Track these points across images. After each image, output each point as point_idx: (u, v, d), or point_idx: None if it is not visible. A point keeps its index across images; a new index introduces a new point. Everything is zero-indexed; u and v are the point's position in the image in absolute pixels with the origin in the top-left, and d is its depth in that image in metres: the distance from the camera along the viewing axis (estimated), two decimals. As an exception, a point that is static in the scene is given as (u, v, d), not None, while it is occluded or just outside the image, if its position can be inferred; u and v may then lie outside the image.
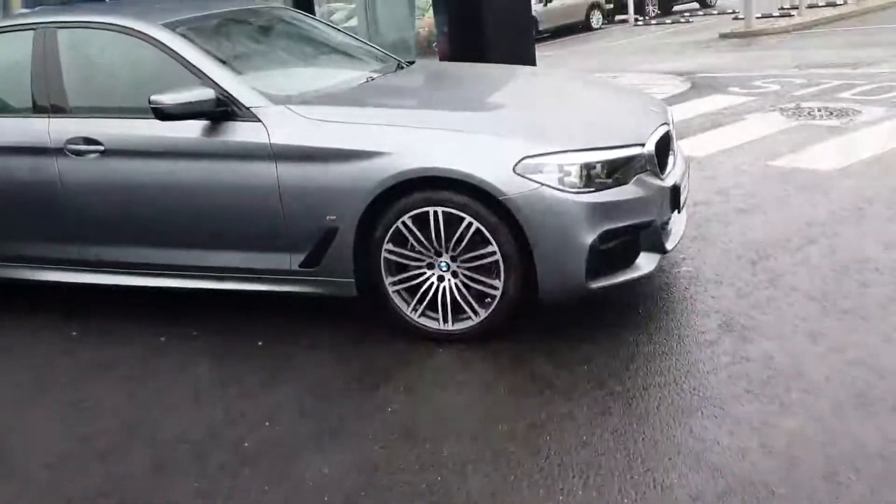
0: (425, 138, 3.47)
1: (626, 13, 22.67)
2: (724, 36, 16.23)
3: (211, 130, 3.73)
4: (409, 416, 3.15)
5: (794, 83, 9.36)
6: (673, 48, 15.28)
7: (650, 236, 3.57)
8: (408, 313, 3.66)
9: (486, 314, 3.55)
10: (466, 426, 3.05)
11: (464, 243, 3.47)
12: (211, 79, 3.75)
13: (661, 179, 3.65)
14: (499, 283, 3.48)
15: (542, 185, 3.32)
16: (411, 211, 3.49)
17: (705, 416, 2.93)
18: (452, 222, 3.46)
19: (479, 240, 3.47)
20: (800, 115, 7.63)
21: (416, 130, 3.50)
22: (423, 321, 3.66)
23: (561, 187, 3.33)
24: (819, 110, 7.79)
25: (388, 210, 3.52)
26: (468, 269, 3.53)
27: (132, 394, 3.57)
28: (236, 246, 3.84)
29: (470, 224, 3.42)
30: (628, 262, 3.56)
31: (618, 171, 3.45)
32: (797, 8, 18.10)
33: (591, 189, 3.37)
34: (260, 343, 3.89)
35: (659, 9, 24.17)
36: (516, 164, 3.33)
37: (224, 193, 3.74)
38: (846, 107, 7.80)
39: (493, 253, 3.44)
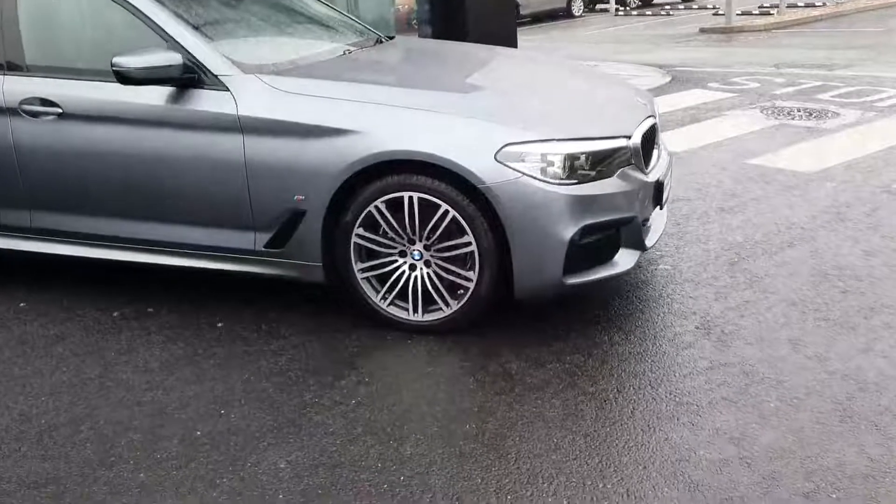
0: (404, 118, 3.30)
1: (608, 2, 22.56)
2: (704, 31, 16.20)
3: (176, 97, 3.53)
4: (372, 410, 3.00)
5: (773, 82, 9.30)
6: (653, 40, 15.19)
7: (631, 232, 3.45)
8: (377, 302, 3.51)
9: (458, 306, 3.40)
10: (432, 424, 2.90)
11: (439, 232, 3.32)
12: (179, 43, 3.54)
13: (645, 174, 3.52)
14: (473, 276, 3.34)
15: (524, 174, 3.17)
16: (385, 195, 3.33)
17: (682, 423, 2.82)
18: (428, 209, 3.30)
19: (454, 229, 3.32)
20: (779, 115, 7.56)
21: (395, 110, 3.32)
22: (393, 311, 3.50)
23: (543, 178, 3.18)
24: (798, 110, 7.73)
25: (361, 193, 3.36)
26: (442, 259, 3.38)
27: (79, 371, 3.38)
28: (199, 221, 3.64)
29: (446, 212, 3.27)
30: (606, 258, 3.43)
31: (602, 164, 3.31)
32: (777, 7, 18.15)
33: (574, 181, 3.23)
34: (219, 324, 3.71)
35: (640, 0, 24.11)
36: (498, 152, 3.18)
37: (188, 165, 3.54)
38: (824, 108, 7.75)
39: (469, 244, 3.29)
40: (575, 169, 3.24)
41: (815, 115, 7.52)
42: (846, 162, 5.90)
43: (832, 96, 8.34)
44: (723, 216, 4.89)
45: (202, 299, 3.95)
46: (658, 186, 3.57)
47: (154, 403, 3.11)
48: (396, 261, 3.45)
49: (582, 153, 3.25)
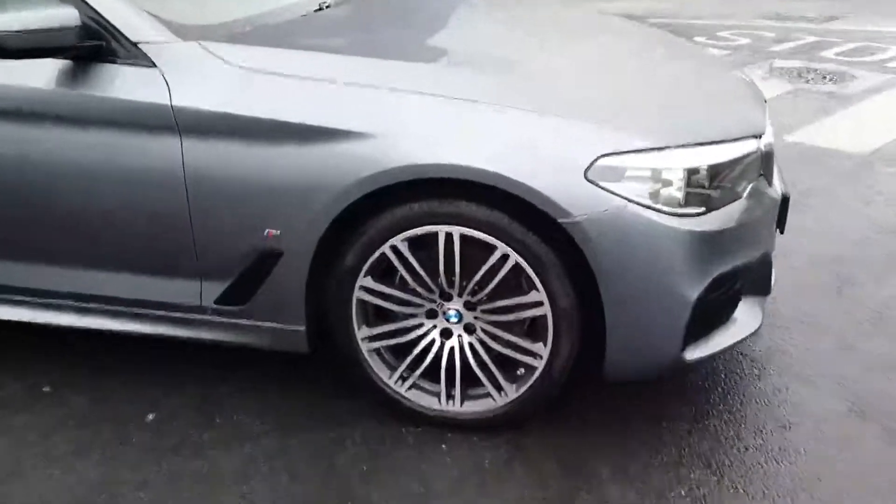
0: (440, 114, 2.12)
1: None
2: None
3: (73, 77, 2.27)
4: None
5: (764, 36, 8.35)
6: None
7: (757, 274, 2.38)
8: (391, 384, 2.36)
9: (518, 393, 2.29)
10: None
11: (492, 285, 2.18)
12: (75, -8, 2.26)
13: (772, 187, 2.44)
14: (543, 349, 2.22)
15: (628, 200, 2.04)
16: (408, 230, 2.17)
17: None
18: (476, 251, 2.16)
19: (514, 279, 2.19)
20: (790, 77, 6.59)
21: (425, 100, 2.14)
22: (416, 397, 2.37)
23: (655, 205, 2.07)
24: (808, 71, 6.79)
25: (370, 226, 2.19)
26: (493, 323, 2.25)
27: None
28: (115, 265, 2.42)
29: (505, 257, 2.13)
30: (726, 315, 2.36)
31: (728, 179, 2.21)
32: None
33: (698, 208, 2.12)
34: (150, 417, 2.49)
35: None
36: (590, 167, 2.04)
37: (93, 181, 2.30)
38: (837, 69, 6.84)
39: (539, 303, 2.16)
40: (697, 189, 2.13)
41: (830, 77, 6.59)
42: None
43: (836, 54, 7.45)
44: (791, 217, 3.85)
45: (131, 366, 2.72)
46: (784, 203, 2.49)
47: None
48: (422, 324, 2.31)
49: (708, 165, 2.14)
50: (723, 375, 2.63)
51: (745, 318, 2.40)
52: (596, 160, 2.05)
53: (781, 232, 2.58)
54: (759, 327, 2.40)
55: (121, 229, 2.35)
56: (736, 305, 2.38)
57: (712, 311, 2.26)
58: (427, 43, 2.65)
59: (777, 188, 2.48)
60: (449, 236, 2.15)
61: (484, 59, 2.47)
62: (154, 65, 2.23)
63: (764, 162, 2.35)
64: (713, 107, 2.43)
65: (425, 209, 2.14)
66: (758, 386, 2.57)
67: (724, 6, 10.73)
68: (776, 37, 8.35)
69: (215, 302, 2.38)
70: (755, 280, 2.40)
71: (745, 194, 2.26)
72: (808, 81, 6.48)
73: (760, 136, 2.33)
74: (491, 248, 2.14)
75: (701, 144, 2.16)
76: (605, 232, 2.04)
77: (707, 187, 2.15)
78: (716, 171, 2.16)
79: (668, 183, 2.09)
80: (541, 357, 2.23)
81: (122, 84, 2.24)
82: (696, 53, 3.08)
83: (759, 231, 2.32)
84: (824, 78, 6.58)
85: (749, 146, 2.26)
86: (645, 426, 2.39)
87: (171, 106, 2.20)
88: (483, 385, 2.31)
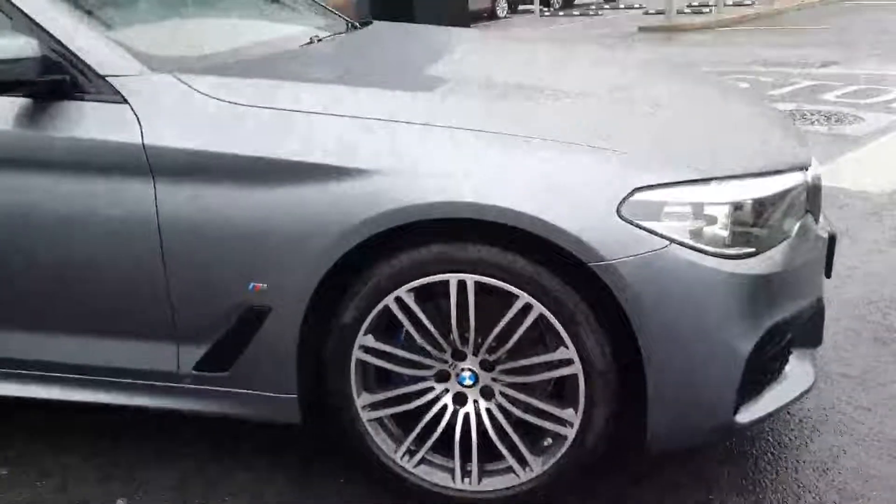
0: (446, 147, 1.86)
1: (530, 3, 21.47)
2: (643, 29, 15.22)
3: (33, 116, 2.01)
4: None
5: (762, 81, 8.21)
6: (595, 39, 14.04)
7: (809, 323, 2.09)
8: (396, 458, 2.05)
9: (544, 467, 1.97)
10: None
11: (512, 341, 1.89)
12: (36, 21, 2.01)
13: (819, 225, 2.18)
14: (574, 416, 1.91)
15: (669, 240, 1.77)
16: (415, 279, 1.89)
17: None
18: (494, 303, 1.88)
19: (539, 335, 1.91)
20: (795, 119, 6.40)
21: (433, 132, 1.88)
22: (424, 473, 2.05)
23: (699, 245, 1.79)
24: (812, 114, 6.60)
25: (370, 276, 1.91)
26: (514, 385, 1.95)
27: None
28: (82, 327, 2.12)
29: (527, 308, 1.85)
30: (777, 371, 2.07)
31: (778, 215, 1.94)
32: (710, 5, 17.50)
33: (749, 249, 1.85)
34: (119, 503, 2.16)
35: (562, 1, 23.25)
36: (623, 202, 1.78)
37: (56, 232, 2.02)
38: (840, 111, 6.66)
39: (569, 362, 1.87)
40: (744, 227, 1.86)
41: (835, 118, 6.41)
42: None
43: (837, 97, 7.30)
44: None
45: (102, 440, 2.40)
46: (831, 243, 2.22)
47: None
48: (432, 389, 2.01)
49: (754, 200, 1.87)
50: (769, 438, 2.33)
51: (797, 373, 2.11)
52: (630, 195, 1.78)
53: (828, 276, 2.30)
54: (814, 384, 2.11)
55: (87, 287, 2.06)
56: (787, 359, 2.10)
57: (764, 366, 1.98)
58: (433, 73, 2.40)
59: (824, 226, 2.21)
60: (462, 285, 1.87)
61: (500, 88, 2.22)
62: (125, 100, 1.97)
63: (811, 197, 2.09)
64: (755, 137, 2.17)
65: (435, 255, 1.87)
66: (811, 450, 2.27)
67: (715, 54, 10.66)
68: (774, 81, 8.22)
69: (194, 368, 2.08)
70: (806, 330, 2.12)
71: (793, 233, 1.99)
72: (812, 123, 6.30)
73: (807, 169, 2.07)
74: (511, 299, 1.86)
75: (747, 176, 1.89)
76: (643, 277, 1.77)
77: (754, 225, 1.88)
78: (763, 207, 1.90)
79: (711, 220, 1.82)
80: (571, 425, 1.92)
81: (88, 123, 1.98)
82: (727, 86, 2.82)
83: (811, 274, 2.05)
84: (828, 119, 6.40)
85: (796, 178, 2.01)
86: (690, 497, 2.07)
87: (143, 145, 1.94)
88: (504, 458, 2.00)
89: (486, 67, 2.54)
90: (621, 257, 1.76)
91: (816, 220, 2.16)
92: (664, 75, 2.68)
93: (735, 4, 18.51)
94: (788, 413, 2.44)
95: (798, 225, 2.02)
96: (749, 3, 18.67)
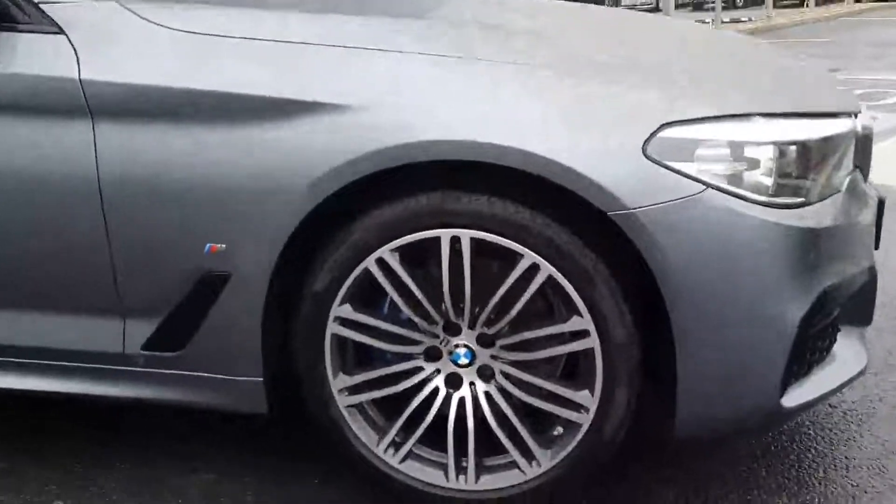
0: (437, 77, 1.57)
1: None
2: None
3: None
4: None
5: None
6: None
7: (857, 294, 1.79)
8: (379, 452, 1.73)
9: (555, 461, 1.66)
10: None
11: (515, 309, 1.58)
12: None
13: (868, 185, 1.89)
14: (590, 399, 1.60)
15: (705, 185, 1.47)
16: (399, 236, 1.58)
17: None
18: (494, 263, 1.58)
19: (548, 302, 1.61)
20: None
21: (417, 59, 1.59)
22: (412, 470, 1.73)
23: (739, 190, 1.50)
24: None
25: (346, 234, 1.60)
26: (518, 364, 1.64)
27: None
28: (10, 300, 1.81)
29: (534, 269, 1.54)
30: (824, 351, 1.77)
31: (827, 165, 1.64)
32: (705, 22, 17.39)
33: (797, 198, 1.56)
34: (55, 506, 1.84)
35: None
36: (648, 140, 1.48)
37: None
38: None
39: (584, 333, 1.56)
40: (791, 174, 1.57)
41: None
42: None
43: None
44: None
45: (38, 437, 2.08)
46: (880, 207, 1.92)
47: None
48: (420, 369, 1.70)
49: (803, 142, 1.58)
50: (811, 433, 2.02)
51: (847, 354, 1.81)
52: (657, 131, 1.49)
53: (876, 247, 1.99)
54: (866, 367, 1.81)
55: (15, 251, 1.76)
56: (835, 338, 1.80)
57: (813, 342, 1.68)
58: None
59: (873, 188, 1.92)
60: (456, 243, 1.57)
61: (502, 21, 1.93)
62: (61, 30, 1.68)
63: (860, 150, 1.80)
64: (800, 81, 1.88)
65: (423, 207, 1.57)
66: (862, 445, 1.96)
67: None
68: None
69: (143, 347, 1.77)
70: (856, 304, 1.82)
71: (843, 188, 1.70)
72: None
73: (856, 115, 1.79)
74: (514, 258, 1.56)
75: (794, 116, 1.60)
76: (673, 228, 1.47)
77: (802, 174, 1.58)
78: (812, 152, 1.60)
79: (753, 164, 1.53)
80: (586, 410, 1.61)
81: (19, 56, 1.69)
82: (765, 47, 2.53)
83: (862, 237, 1.76)
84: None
85: (846, 124, 1.72)
86: (725, 497, 1.76)
87: (80, 80, 1.64)
88: (506, 452, 1.68)
89: (494, 8, 2.23)
90: (647, 205, 1.47)
91: (865, 179, 1.87)
92: (691, 26, 2.40)
93: (731, 21, 18.43)
94: (830, 405, 2.13)
95: (848, 179, 1.73)
96: (745, 19, 18.60)
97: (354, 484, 1.80)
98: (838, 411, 2.11)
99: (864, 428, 2.03)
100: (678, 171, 1.48)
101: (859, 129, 1.78)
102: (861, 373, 1.79)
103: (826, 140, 1.63)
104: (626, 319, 1.55)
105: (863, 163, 1.84)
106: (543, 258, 1.54)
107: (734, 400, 1.58)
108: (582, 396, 1.61)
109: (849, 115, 1.76)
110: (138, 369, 1.79)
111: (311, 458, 1.92)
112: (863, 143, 1.81)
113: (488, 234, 1.55)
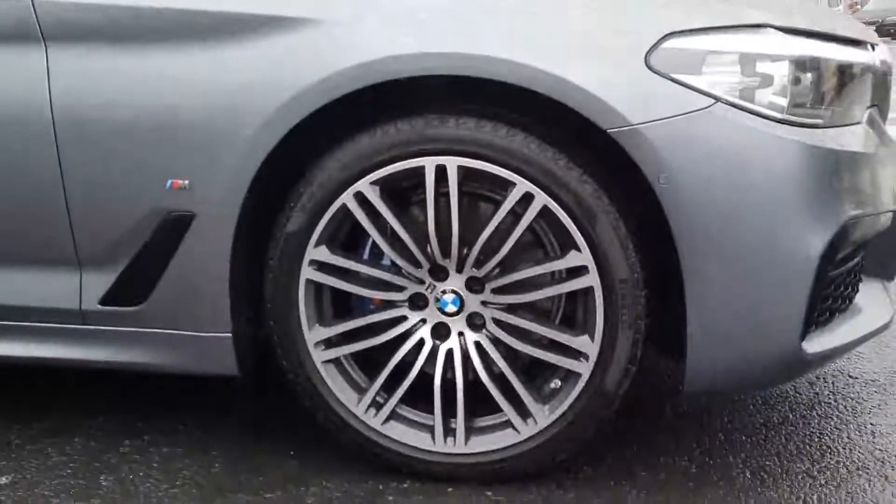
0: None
1: None
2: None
3: None
4: None
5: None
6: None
7: (881, 241, 1.65)
8: (358, 413, 1.56)
9: (552, 418, 1.49)
10: None
11: (507, 247, 1.43)
12: None
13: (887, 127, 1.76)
14: (590, 345, 1.44)
15: (715, 98, 1.33)
16: (379, 167, 1.44)
17: None
18: (483, 195, 1.44)
19: (542, 237, 1.46)
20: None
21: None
22: (395, 433, 1.56)
23: (752, 105, 1.36)
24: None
25: (321, 166, 1.46)
26: (511, 309, 1.49)
27: None
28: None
29: (528, 198, 1.40)
30: (845, 300, 1.62)
31: (845, 94, 1.50)
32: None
33: (815, 118, 1.42)
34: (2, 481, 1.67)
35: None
36: (651, 50, 1.34)
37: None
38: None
39: (583, 270, 1.41)
40: (810, 94, 1.43)
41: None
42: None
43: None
44: None
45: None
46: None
47: None
48: (404, 318, 1.54)
49: (817, 58, 1.44)
50: (832, 401, 1.85)
51: (871, 306, 1.66)
52: (662, 40, 1.36)
53: None
54: (892, 320, 1.65)
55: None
56: (857, 288, 1.65)
57: (834, 285, 1.52)
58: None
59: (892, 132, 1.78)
60: (441, 172, 1.42)
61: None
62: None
63: (878, 88, 1.67)
64: (818, 11, 1.75)
65: (405, 133, 1.42)
66: (889, 413, 1.79)
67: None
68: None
69: (100, 302, 1.62)
70: (880, 254, 1.68)
71: (863, 120, 1.56)
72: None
73: (875, 46, 1.66)
74: (505, 188, 1.41)
75: (811, 35, 1.47)
76: (680, 146, 1.33)
77: (819, 99, 1.45)
78: (829, 74, 1.47)
79: (766, 80, 1.39)
80: (586, 357, 1.46)
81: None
82: None
83: (885, 177, 1.61)
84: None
85: (865, 55, 1.59)
86: (742, 460, 1.59)
87: (32, 1, 1.51)
88: (499, 410, 1.52)
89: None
90: (651, 119, 1.33)
91: (884, 119, 1.73)
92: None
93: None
94: (850, 376, 1.97)
95: (868, 113, 1.59)
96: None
97: (333, 454, 1.63)
98: (859, 381, 1.95)
99: (888, 396, 1.87)
100: (685, 84, 1.34)
101: (877, 62, 1.65)
102: (886, 325, 1.63)
103: (845, 65, 1.50)
104: (630, 254, 1.40)
105: (881, 102, 1.71)
106: (538, 186, 1.39)
107: (751, 344, 1.42)
108: (581, 342, 1.45)
109: (867, 45, 1.63)
110: (94, 327, 1.63)
111: (287, 427, 1.75)
112: (881, 79, 1.68)
113: (477, 161, 1.41)
